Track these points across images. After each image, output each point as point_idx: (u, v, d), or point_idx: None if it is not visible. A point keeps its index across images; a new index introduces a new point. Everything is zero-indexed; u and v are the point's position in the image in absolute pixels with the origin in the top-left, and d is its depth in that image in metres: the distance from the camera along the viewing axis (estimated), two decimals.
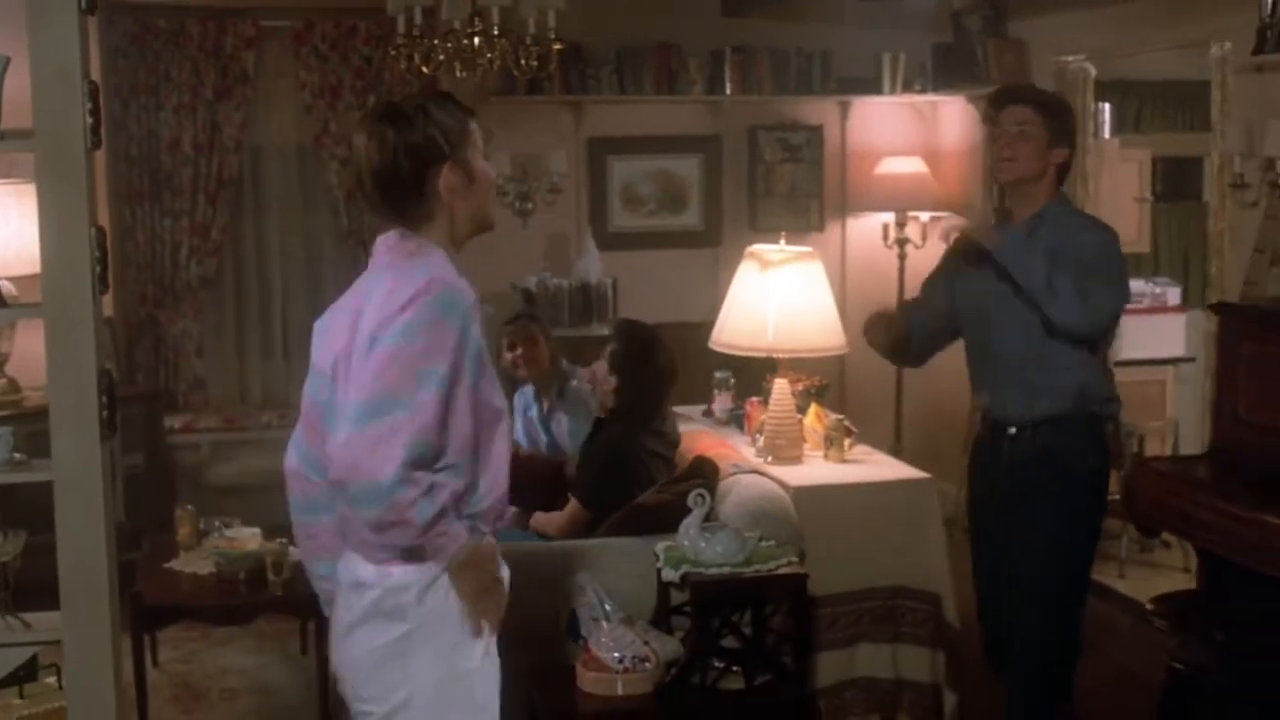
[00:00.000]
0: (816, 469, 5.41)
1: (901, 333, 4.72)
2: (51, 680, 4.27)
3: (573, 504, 5.30)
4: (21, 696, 4.19)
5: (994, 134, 4.48)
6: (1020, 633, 4.48)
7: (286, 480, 3.22)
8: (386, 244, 3.02)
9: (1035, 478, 4.38)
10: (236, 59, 7.88)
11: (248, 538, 5.51)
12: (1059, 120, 4.41)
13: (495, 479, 3.01)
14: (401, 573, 2.93)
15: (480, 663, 3.04)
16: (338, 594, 3.11)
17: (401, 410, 2.76)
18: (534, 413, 6.24)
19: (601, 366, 5.44)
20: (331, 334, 3.03)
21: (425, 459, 2.80)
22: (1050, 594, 4.45)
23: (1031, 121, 4.35)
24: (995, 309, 4.40)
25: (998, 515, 4.51)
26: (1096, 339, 4.40)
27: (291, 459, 3.20)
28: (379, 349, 2.81)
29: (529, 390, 6.26)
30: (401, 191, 2.95)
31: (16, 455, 3.59)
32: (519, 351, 6.13)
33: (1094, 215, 4.77)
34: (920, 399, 8.32)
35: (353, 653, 3.03)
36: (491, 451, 2.98)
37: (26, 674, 4.19)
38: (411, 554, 2.90)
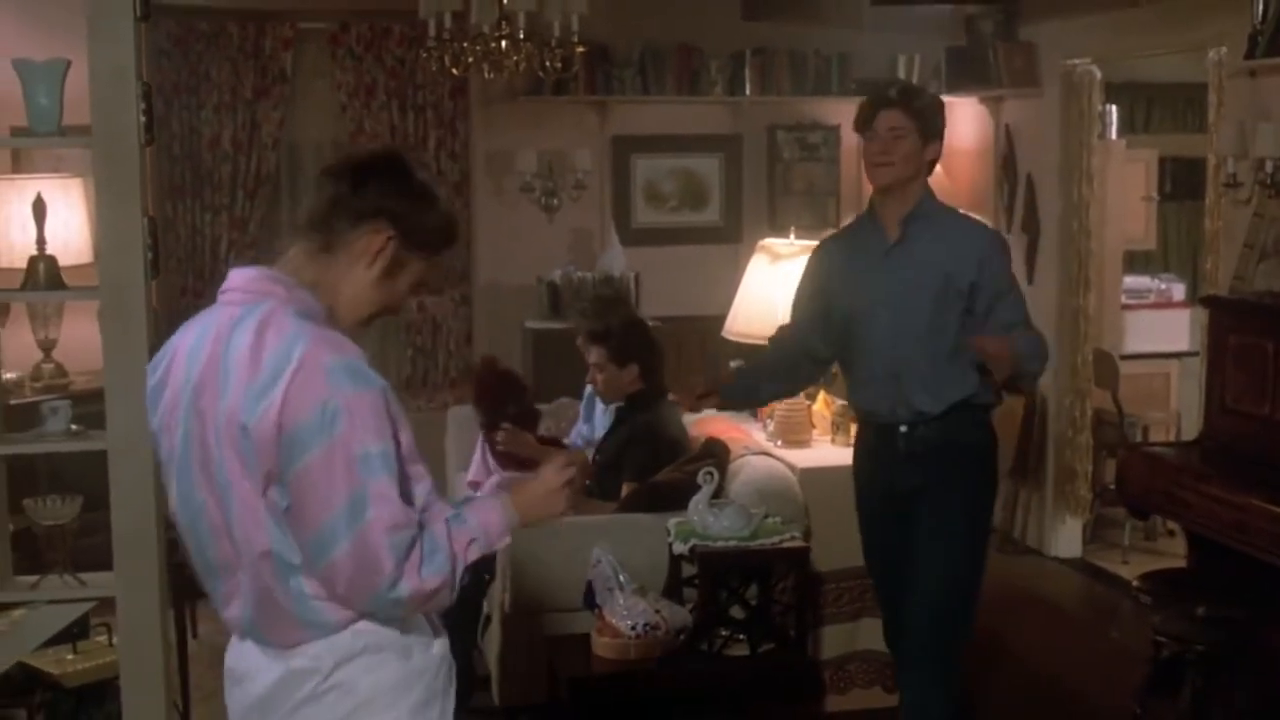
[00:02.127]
0: (823, 452, 5.65)
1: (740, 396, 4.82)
2: (102, 638, 4.58)
3: (628, 488, 5.37)
4: (75, 652, 4.50)
5: (866, 138, 4.32)
6: (929, 620, 4.35)
7: None
8: (254, 282, 2.57)
9: (932, 467, 4.31)
10: (275, 60, 8.11)
11: None
12: (930, 118, 4.30)
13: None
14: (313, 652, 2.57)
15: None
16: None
17: (363, 517, 2.41)
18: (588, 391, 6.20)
19: (602, 365, 5.56)
20: (175, 394, 2.58)
21: (407, 541, 2.45)
22: (959, 577, 4.37)
23: (903, 125, 4.24)
24: (879, 317, 4.31)
25: (894, 512, 4.40)
26: None
27: None
28: (307, 460, 2.40)
29: None
30: (334, 211, 2.60)
31: (73, 427, 3.86)
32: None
33: (962, 212, 4.67)
34: None
35: None
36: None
37: (79, 631, 4.50)
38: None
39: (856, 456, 4.62)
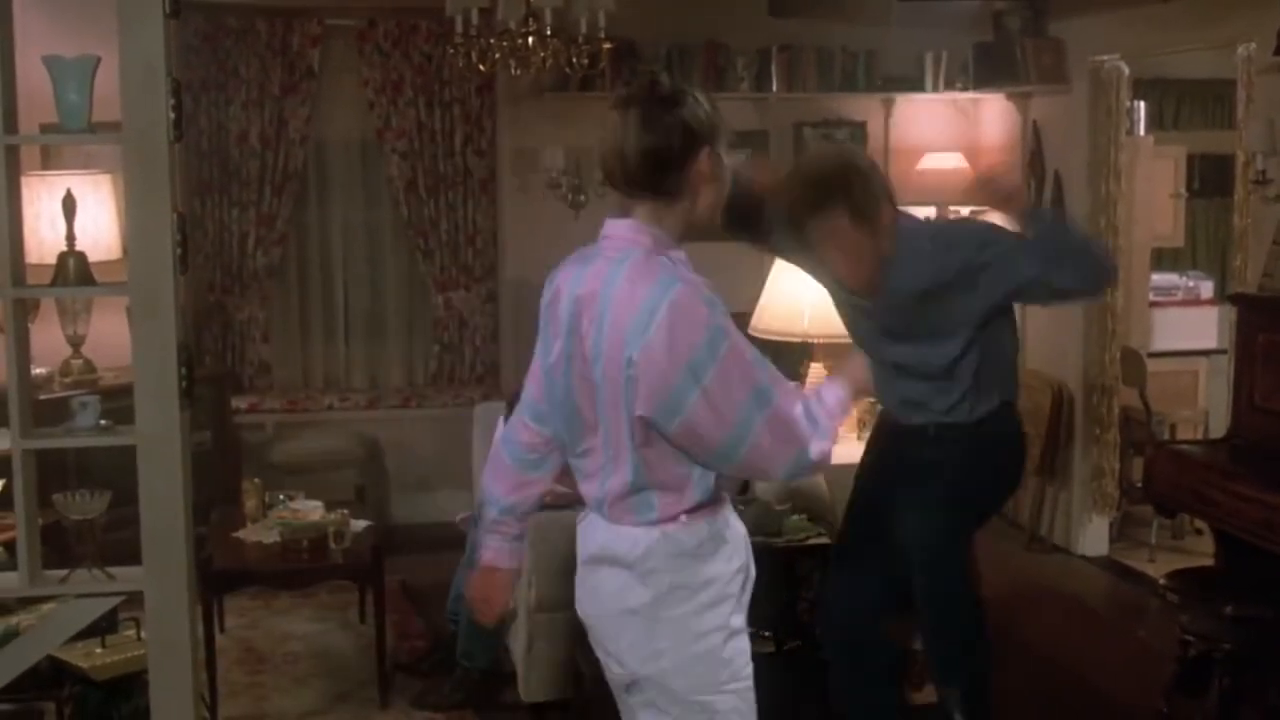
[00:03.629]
0: (850, 449, 5.62)
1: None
2: (130, 632, 4.61)
3: None
4: (104, 646, 4.53)
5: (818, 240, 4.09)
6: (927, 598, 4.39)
7: (499, 444, 3.41)
8: (627, 231, 3.03)
9: (951, 452, 4.29)
10: (302, 56, 8.13)
11: (311, 509, 5.80)
12: (870, 204, 4.03)
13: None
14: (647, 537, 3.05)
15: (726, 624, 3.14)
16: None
17: (770, 401, 2.90)
18: None
19: None
20: (560, 312, 3.09)
21: (808, 413, 2.96)
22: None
23: (849, 230, 4.01)
24: (893, 331, 4.23)
25: (887, 487, 4.40)
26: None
27: (512, 423, 3.35)
28: (704, 384, 2.85)
29: None
30: (665, 168, 2.97)
31: (102, 422, 3.88)
32: None
33: (932, 224, 4.50)
34: None
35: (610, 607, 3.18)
36: None
37: (108, 625, 4.53)
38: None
39: (873, 443, 4.62)
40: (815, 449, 2.97)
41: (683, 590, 3.06)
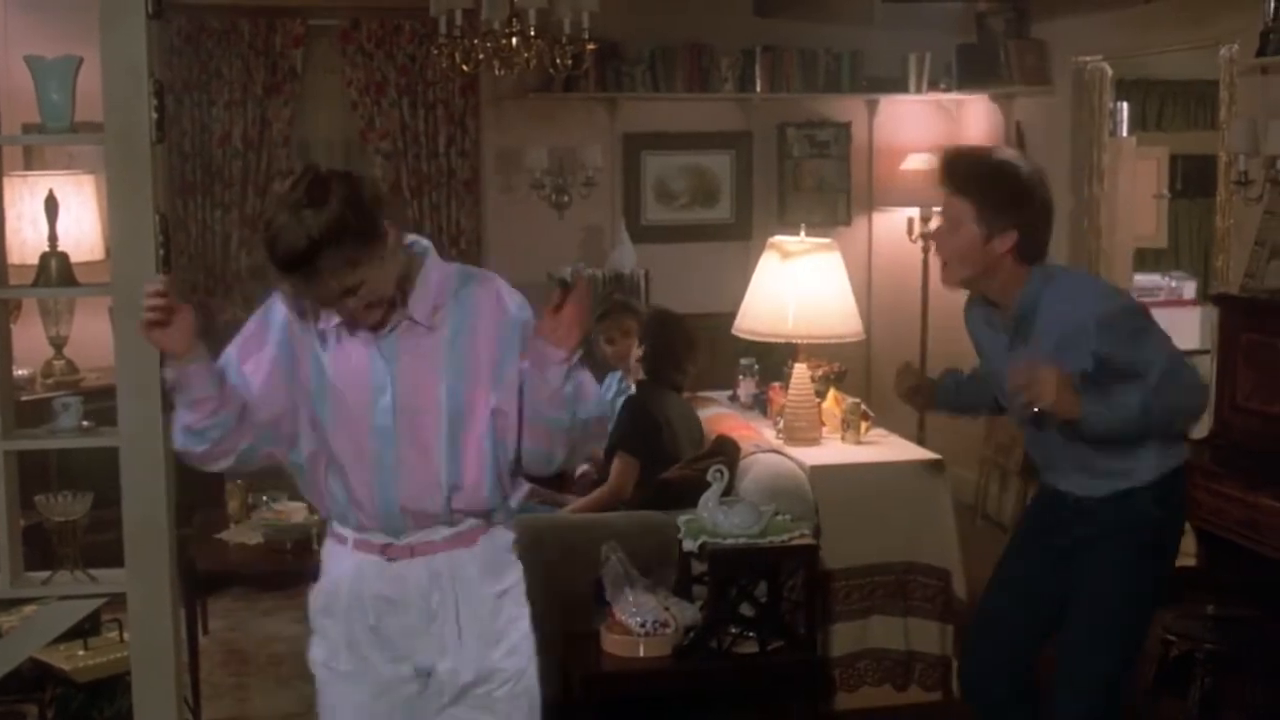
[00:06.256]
0: (833, 450, 5.65)
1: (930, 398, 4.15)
2: (113, 634, 4.60)
3: (616, 460, 5.41)
4: (86, 647, 4.52)
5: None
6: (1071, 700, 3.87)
7: None
8: None
9: (1097, 538, 3.78)
10: (285, 57, 8.09)
11: (294, 510, 5.78)
12: (994, 199, 3.60)
13: None
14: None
15: None
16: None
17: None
18: (612, 392, 6.31)
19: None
20: None
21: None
22: (1107, 668, 3.83)
23: (958, 211, 3.63)
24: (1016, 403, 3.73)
25: (1043, 568, 3.93)
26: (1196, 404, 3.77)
27: None
28: None
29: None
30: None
31: (85, 423, 3.87)
32: (616, 346, 6.10)
33: (1086, 279, 4.10)
34: None
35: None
36: None
37: (91, 627, 4.52)
38: None
39: (1026, 518, 4.25)
40: None
41: None
